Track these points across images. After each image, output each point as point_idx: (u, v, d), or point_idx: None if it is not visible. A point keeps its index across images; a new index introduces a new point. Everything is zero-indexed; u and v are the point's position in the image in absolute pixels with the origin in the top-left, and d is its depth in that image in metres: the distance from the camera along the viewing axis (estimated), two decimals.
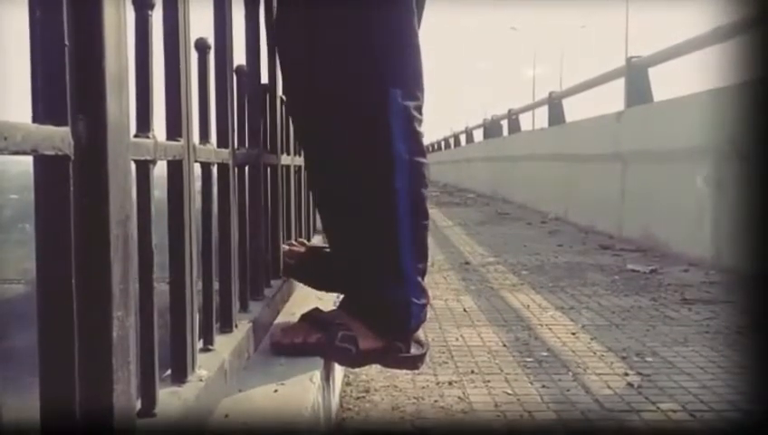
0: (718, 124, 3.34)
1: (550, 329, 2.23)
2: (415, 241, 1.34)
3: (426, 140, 1.44)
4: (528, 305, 2.57)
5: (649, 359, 1.90)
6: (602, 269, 3.39)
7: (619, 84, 5.35)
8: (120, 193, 0.64)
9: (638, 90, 4.92)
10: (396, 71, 1.34)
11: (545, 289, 2.89)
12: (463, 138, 15.91)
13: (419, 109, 1.37)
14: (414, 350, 1.35)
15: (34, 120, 0.58)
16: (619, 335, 2.15)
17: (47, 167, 0.57)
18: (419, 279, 1.35)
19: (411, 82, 1.36)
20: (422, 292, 1.36)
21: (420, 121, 1.37)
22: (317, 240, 2.35)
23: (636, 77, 4.98)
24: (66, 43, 0.60)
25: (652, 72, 4.93)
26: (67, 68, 0.59)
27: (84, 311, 0.59)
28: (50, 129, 0.56)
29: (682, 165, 3.77)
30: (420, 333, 1.39)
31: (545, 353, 1.95)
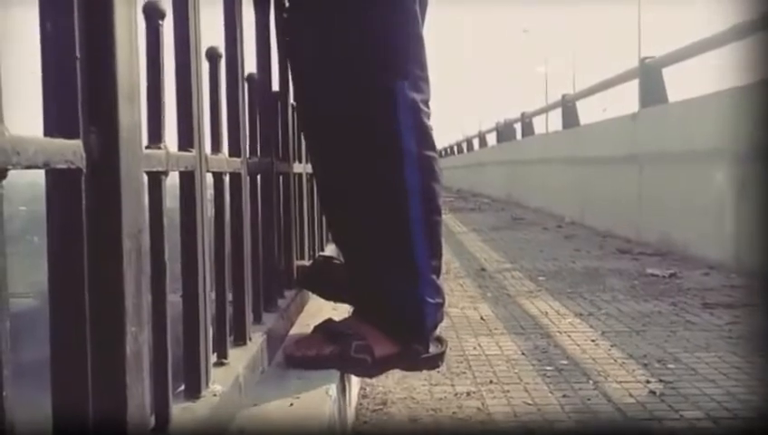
0: (736, 124, 3.30)
1: (569, 336, 2.20)
2: (428, 238, 1.31)
3: (438, 145, 1.42)
4: (546, 312, 2.54)
5: (671, 365, 1.87)
6: (621, 274, 3.35)
7: (633, 85, 5.32)
8: (133, 206, 0.63)
9: (652, 91, 4.87)
10: (400, 62, 1.32)
11: (563, 295, 2.86)
12: (476, 142, 15.87)
13: (426, 102, 1.34)
14: (433, 348, 1.33)
15: (46, 133, 0.56)
16: (639, 342, 2.12)
17: (59, 180, 0.56)
18: (434, 277, 1.33)
19: (417, 74, 1.33)
20: (437, 291, 1.33)
21: (428, 115, 1.35)
22: (330, 250, 2.34)
23: (650, 78, 4.94)
24: (77, 55, 0.59)
25: (666, 72, 4.88)
26: (78, 80, 0.58)
27: (97, 326, 0.58)
28: (62, 142, 0.55)
29: (700, 166, 3.73)
30: (438, 331, 1.36)
31: (565, 362, 1.93)
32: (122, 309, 0.59)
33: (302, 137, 1.85)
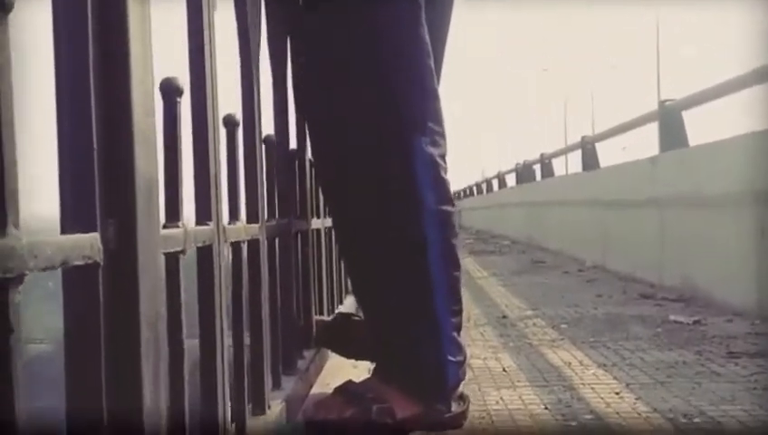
0: (759, 168, 3.27)
1: (592, 389, 2.16)
2: (448, 294, 1.31)
3: (457, 186, 1.43)
4: (569, 363, 2.50)
5: (697, 420, 1.82)
6: (644, 321, 3.30)
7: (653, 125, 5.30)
8: (151, 293, 0.63)
9: (672, 134, 4.85)
10: (418, 118, 1.32)
11: (586, 344, 2.82)
12: (495, 182, 15.85)
13: (443, 157, 1.35)
14: (455, 407, 1.31)
15: (63, 228, 0.57)
16: (664, 394, 2.07)
17: (76, 276, 0.56)
18: (455, 334, 1.31)
19: (433, 129, 1.34)
20: (459, 348, 1.32)
21: (446, 169, 1.35)
22: (350, 301, 2.33)
23: (669, 121, 4.92)
24: (95, 146, 0.60)
25: (686, 115, 4.86)
26: (96, 172, 0.59)
27: (115, 419, 0.58)
28: (78, 237, 0.56)
29: (722, 210, 3.69)
30: (460, 388, 1.35)
31: (589, 416, 1.89)
32: (140, 399, 0.59)
33: (321, 192, 1.86)
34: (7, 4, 0.45)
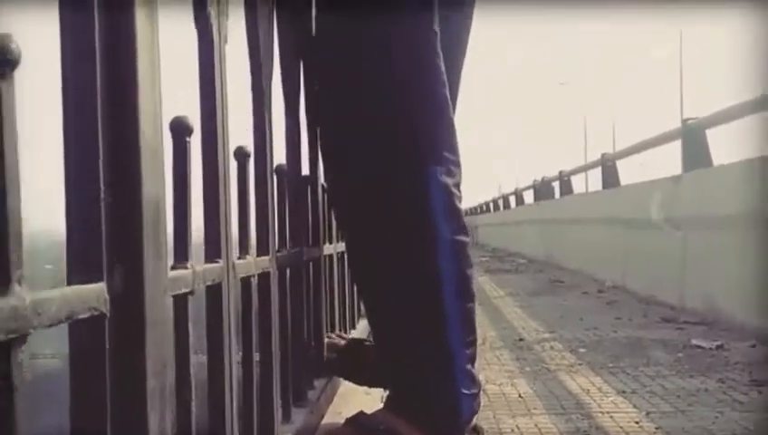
0: None
1: (611, 417, 2.12)
2: (463, 326, 1.29)
3: (473, 202, 1.41)
4: (588, 390, 2.46)
5: None
6: (665, 345, 3.25)
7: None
8: (158, 342, 0.63)
9: (695, 153, 4.79)
10: (433, 148, 1.32)
11: (605, 370, 2.78)
12: (512, 199, 15.78)
13: (458, 186, 1.34)
14: None
15: (69, 277, 0.56)
16: (685, 423, 2.03)
17: (82, 329, 0.55)
18: (469, 367, 1.30)
19: (449, 159, 1.33)
20: (472, 380, 1.30)
21: (460, 199, 1.34)
22: (362, 325, 2.32)
23: (693, 140, 4.86)
24: (102, 189, 0.59)
25: (710, 133, 4.80)
26: (103, 220, 0.58)
27: None
28: (84, 289, 0.55)
29: (745, 232, 3.64)
30: (474, 421, 1.33)
31: None
32: None
33: (334, 219, 1.86)
34: (13, 60, 0.45)
